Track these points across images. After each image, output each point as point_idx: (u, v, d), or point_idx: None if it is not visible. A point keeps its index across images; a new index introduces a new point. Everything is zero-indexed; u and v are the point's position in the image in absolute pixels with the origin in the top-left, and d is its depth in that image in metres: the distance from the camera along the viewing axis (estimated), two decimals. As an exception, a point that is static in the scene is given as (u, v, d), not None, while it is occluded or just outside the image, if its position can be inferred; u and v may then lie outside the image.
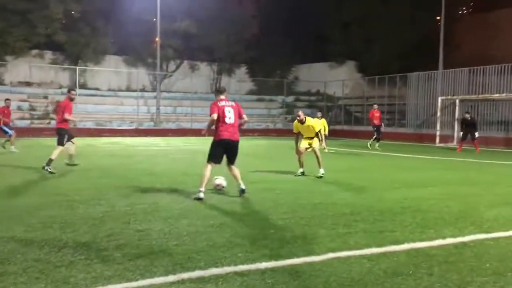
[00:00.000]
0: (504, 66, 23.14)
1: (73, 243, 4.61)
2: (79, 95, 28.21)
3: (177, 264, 4.02)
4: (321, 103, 37.56)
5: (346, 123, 34.25)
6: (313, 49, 41.00)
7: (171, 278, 3.70)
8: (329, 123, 36.28)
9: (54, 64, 32.33)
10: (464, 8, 45.36)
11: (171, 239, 4.82)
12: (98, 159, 13.26)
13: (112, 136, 26.49)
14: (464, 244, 4.84)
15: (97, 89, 33.05)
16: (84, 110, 28.21)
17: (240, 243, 4.69)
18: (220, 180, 7.75)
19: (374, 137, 19.59)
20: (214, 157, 7.35)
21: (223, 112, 7.36)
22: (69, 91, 10.91)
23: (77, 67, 30.49)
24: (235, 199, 7.10)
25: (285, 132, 32.89)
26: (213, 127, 7.42)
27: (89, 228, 5.21)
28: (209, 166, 7.28)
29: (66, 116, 10.27)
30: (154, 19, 29.51)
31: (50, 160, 9.86)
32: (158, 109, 29.91)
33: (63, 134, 10.35)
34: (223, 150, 7.37)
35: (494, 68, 23.55)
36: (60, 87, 31.56)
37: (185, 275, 3.76)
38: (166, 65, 36.03)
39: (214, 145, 7.38)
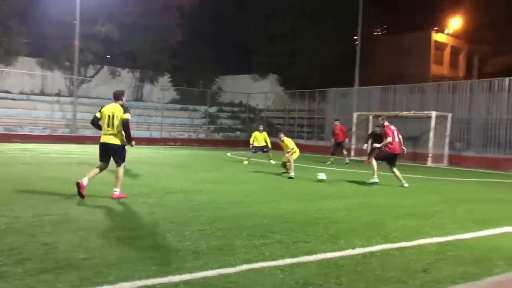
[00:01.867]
0: (413, 86, 24.88)
1: (-32, 258, 4.24)
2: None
3: (85, 279, 3.83)
4: (243, 115, 38.02)
5: (268, 135, 34.80)
6: (237, 60, 41.54)
7: (77, 294, 3.53)
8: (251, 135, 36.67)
9: (-41, 64, 29.92)
10: (379, 29, 48.33)
11: (80, 252, 4.59)
12: (5, 167, 12.38)
13: (23, 142, 24.86)
14: (371, 253, 5.08)
15: (7, 91, 30.87)
16: (-8, 114, 26.33)
17: (153, 256, 4.58)
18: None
19: (331, 153, 19.88)
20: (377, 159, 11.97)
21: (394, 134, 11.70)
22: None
23: (-15, 68, 28.38)
24: (152, 210, 6.93)
25: (207, 142, 32.84)
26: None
27: (-11, 242, 4.83)
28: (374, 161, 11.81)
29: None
30: (74, 22, 28.28)
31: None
32: (74, 115, 28.59)
33: None
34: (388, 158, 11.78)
35: (404, 87, 25.24)
36: (-35, 88, 29.20)
37: (93, 291, 3.60)
38: (84, 70, 34.63)
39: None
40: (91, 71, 35.42)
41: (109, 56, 35.40)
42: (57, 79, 32.30)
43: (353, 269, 4.46)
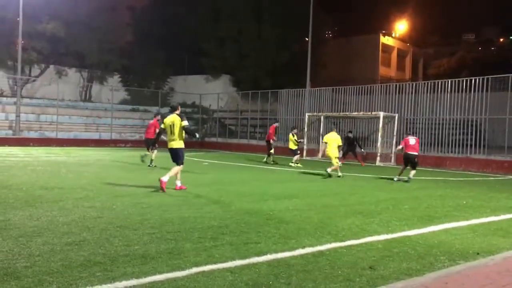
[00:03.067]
0: (361, 87, 25.53)
1: None
2: None
3: (25, 288, 3.67)
4: (196, 115, 37.72)
5: (221, 135, 34.81)
6: (189, 61, 41.20)
7: (16, 304, 3.36)
8: (203, 135, 36.49)
9: None
10: (329, 32, 49.38)
11: (20, 260, 4.39)
12: None
13: (-40, 144, 23.58)
14: (321, 252, 5.15)
15: None
16: None
17: (99, 262, 4.44)
18: None
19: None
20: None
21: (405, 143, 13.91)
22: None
23: None
24: (99, 214, 6.72)
25: (159, 144, 32.21)
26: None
27: None
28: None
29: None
30: (18, 19, 27.06)
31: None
32: (18, 116, 27.37)
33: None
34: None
35: (353, 88, 25.85)
36: None
37: (33, 300, 3.45)
38: (29, 69, 33.26)
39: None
40: (36, 70, 34.06)
41: (54, 55, 34.15)
42: (-1, 78, 30.92)
43: (302, 268, 4.51)
